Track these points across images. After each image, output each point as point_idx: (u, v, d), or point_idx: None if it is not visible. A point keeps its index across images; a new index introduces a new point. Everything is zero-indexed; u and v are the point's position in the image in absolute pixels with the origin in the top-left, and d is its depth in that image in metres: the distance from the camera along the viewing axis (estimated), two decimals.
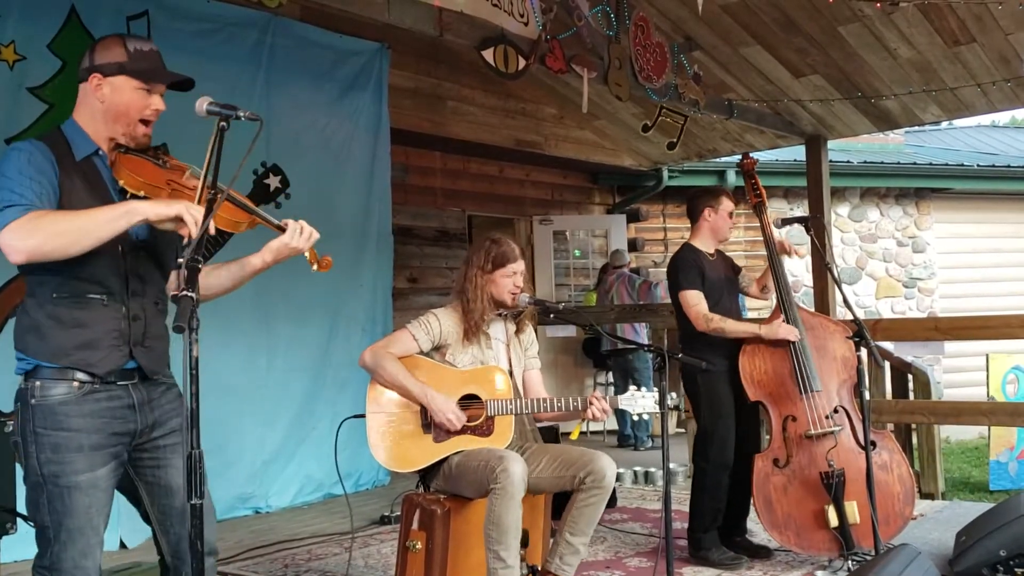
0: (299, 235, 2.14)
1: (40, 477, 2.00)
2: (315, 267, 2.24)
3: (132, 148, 2.13)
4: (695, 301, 3.87)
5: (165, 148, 2.19)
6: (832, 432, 3.72)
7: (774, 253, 3.99)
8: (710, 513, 3.90)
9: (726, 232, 4.06)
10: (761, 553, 3.98)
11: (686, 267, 3.94)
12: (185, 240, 1.93)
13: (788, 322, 3.85)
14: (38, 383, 2.01)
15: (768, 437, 3.98)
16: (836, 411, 3.77)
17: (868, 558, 3.51)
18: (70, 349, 2.02)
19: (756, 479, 3.79)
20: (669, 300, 5.43)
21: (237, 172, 1.94)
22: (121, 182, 2.08)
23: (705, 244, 4.05)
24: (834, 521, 3.64)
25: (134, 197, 2.06)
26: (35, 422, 2.00)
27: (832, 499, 3.64)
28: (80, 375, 2.02)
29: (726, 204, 4.03)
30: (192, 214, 1.92)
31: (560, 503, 3.19)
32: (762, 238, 4.08)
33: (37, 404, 2.00)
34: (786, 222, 4.19)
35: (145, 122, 2.12)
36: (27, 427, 2.01)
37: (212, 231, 1.94)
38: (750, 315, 7.44)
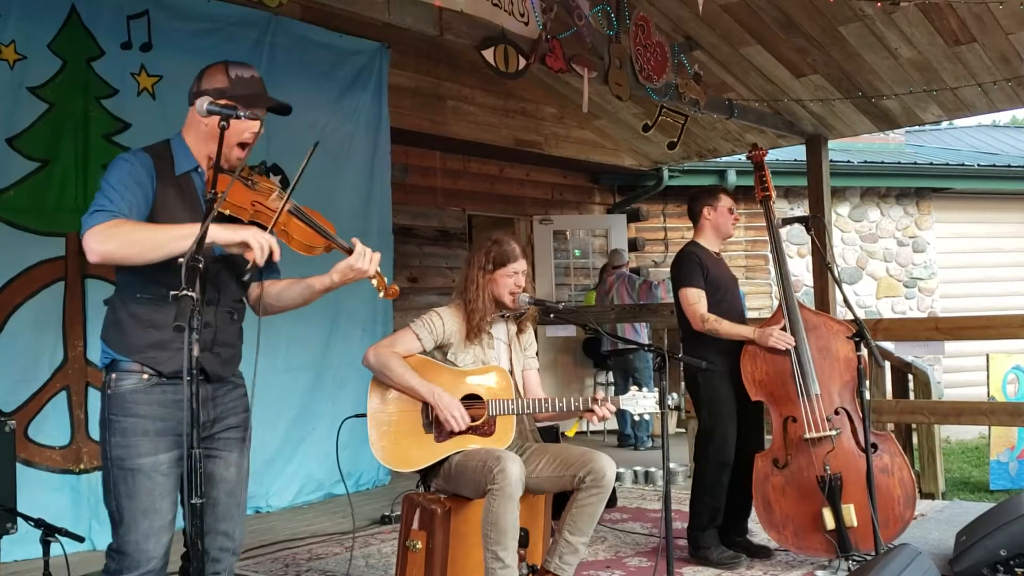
0: (364, 257, 2.25)
1: (109, 461, 2.16)
2: (382, 294, 2.37)
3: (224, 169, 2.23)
4: (694, 299, 3.87)
5: (262, 167, 2.26)
6: (829, 436, 3.71)
7: (780, 250, 3.98)
8: (709, 512, 3.89)
9: (728, 228, 4.05)
10: (761, 553, 3.97)
11: (688, 264, 3.93)
12: (249, 265, 2.08)
13: (789, 321, 3.84)
14: (114, 375, 2.18)
15: (770, 437, 3.98)
16: (837, 413, 3.76)
17: (868, 558, 3.51)
18: (143, 347, 2.17)
19: (756, 479, 3.79)
20: (669, 300, 5.40)
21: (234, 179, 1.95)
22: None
23: (709, 242, 4.05)
24: (830, 524, 3.64)
25: (220, 214, 2.15)
26: (110, 410, 2.17)
27: (828, 502, 3.64)
28: (148, 370, 2.17)
29: (724, 200, 4.02)
30: (259, 241, 2.06)
31: (560, 503, 3.18)
32: (767, 235, 4.08)
33: (112, 394, 2.17)
34: (787, 222, 4.19)
35: (242, 145, 2.23)
36: (104, 415, 2.18)
37: (239, 246, 2.05)
38: (749, 315, 7.44)
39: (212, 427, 2.26)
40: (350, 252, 2.26)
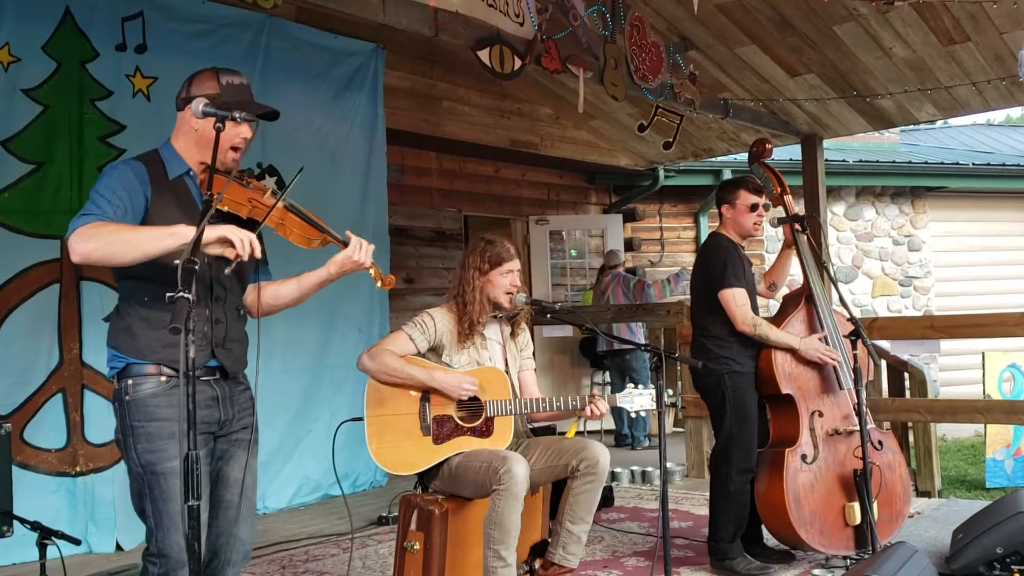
0: (359, 249, 2.31)
1: (140, 467, 2.16)
2: (379, 284, 2.45)
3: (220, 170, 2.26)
4: (742, 300, 3.64)
5: (250, 171, 2.30)
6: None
7: (802, 248, 3.87)
8: (735, 521, 3.68)
9: (749, 228, 3.77)
10: (785, 558, 3.83)
11: (732, 261, 3.66)
12: (233, 261, 2.07)
13: (818, 319, 3.77)
14: (129, 381, 2.18)
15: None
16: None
17: (864, 556, 3.51)
18: (158, 347, 2.18)
19: (786, 474, 3.59)
20: (663, 300, 5.31)
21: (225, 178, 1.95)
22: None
23: (734, 237, 3.82)
24: (857, 518, 3.60)
25: (219, 211, 2.18)
26: (131, 417, 2.16)
27: (860, 496, 3.57)
28: (167, 370, 2.18)
29: (744, 197, 3.76)
30: (239, 236, 2.06)
31: (557, 503, 3.19)
32: (792, 240, 3.93)
33: (131, 400, 2.17)
34: (781, 221, 4.18)
35: (235, 148, 2.25)
36: (124, 422, 2.18)
37: (217, 243, 2.06)
38: None
39: (231, 425, 2.29)
40: (345, 245, 2.32)
